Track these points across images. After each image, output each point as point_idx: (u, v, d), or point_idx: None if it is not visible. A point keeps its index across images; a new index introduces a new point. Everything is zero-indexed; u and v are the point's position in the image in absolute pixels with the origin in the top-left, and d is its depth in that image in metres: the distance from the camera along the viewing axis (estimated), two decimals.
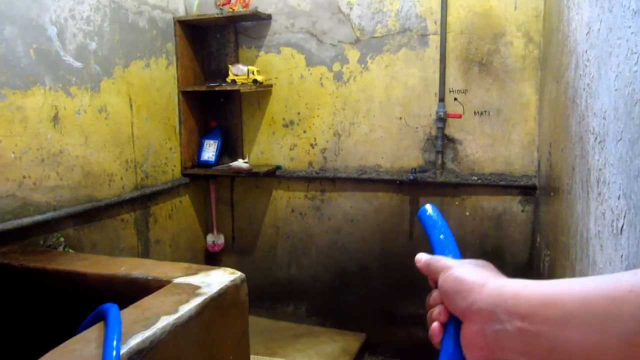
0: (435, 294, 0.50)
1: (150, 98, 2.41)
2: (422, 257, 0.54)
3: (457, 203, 2.42)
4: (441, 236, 0.57)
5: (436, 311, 0.49)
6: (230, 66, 2.57)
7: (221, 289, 1.25)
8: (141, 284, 1.30)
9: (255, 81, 2.54)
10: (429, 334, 0.49)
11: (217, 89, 2.59)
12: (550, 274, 1.88)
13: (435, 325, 0.48)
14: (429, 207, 0.62)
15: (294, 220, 2.76)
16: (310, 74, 2.60)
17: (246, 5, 2.55)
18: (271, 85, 2.68)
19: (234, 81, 2.55)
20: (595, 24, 1.16)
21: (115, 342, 0.93)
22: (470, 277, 0.46)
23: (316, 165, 2.67)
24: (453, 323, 0.47)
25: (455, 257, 0.54)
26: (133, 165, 2.30)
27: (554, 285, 0.40)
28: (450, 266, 0.49)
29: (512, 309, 0.40)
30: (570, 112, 1.46)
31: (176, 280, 1.29)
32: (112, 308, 1.06)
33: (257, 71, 2.57)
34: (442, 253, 0.55)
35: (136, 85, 2.30)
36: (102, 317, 1.06)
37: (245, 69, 2.53)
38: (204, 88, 2.61)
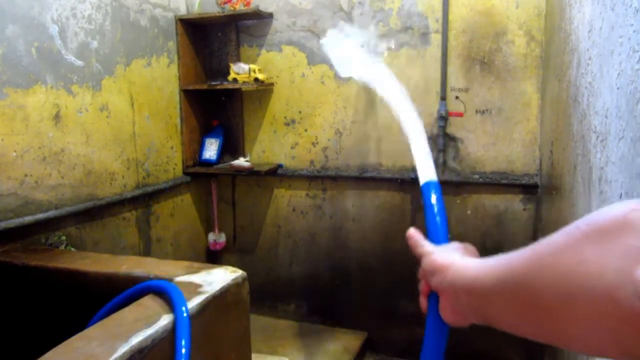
0: (421, 271, 0.61)
1: (152, 97, 2.41)
2: (412, 236, 0.65)
3: (458, 201, 2.42)
4: (437, 218, 0.67)
5: (421, 285, 0.61)
6: (231, 65, 2.57)
7: (223, 287, 1.25)
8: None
9: (256, 80, 2.53)
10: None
11: (218, 87, 2.59)
12: None
13: (421, 297, 0.61)
14: (433, 189, 0.70)
15: (295, 218, 2.76)
16: (312, 72, 2.60)
17: (247, 4, 2.55)
18: (273, 84, 2.68)
19: (235, 80, 2.55)
20: (597, 22, 1.16)
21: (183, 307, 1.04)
22: (442, 260, 0.56)
23: (317, 163, 2.67)
24: (434, 295, 0.58)
25: (444, 239, 0.64)
26: (134, 164, 2.30)
27: (483, 263, 0.48)
28: (430, 252, 0.60)
29: (461, 286, 0.51)
30: (572, 110, 1.46)
31: (178, 279, 1.30)
32: (167, 285, 1.14)
33: (259, 70, 2.57)
34: (435, 233, 0.66)
35: (137, 83, 2.30)
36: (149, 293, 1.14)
37: (246, 67, 2.53)
38: (205, 87, 2.61)
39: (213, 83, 2.63)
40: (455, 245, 0.61)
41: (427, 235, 0.66)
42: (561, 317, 0.36)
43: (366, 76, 0.95)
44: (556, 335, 0.38)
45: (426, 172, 0.73)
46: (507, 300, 0.42)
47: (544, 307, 0.38)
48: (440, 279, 0.55)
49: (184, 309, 1.05)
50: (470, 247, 0.60)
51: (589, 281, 0.34)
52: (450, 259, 0.55)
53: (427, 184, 0.71)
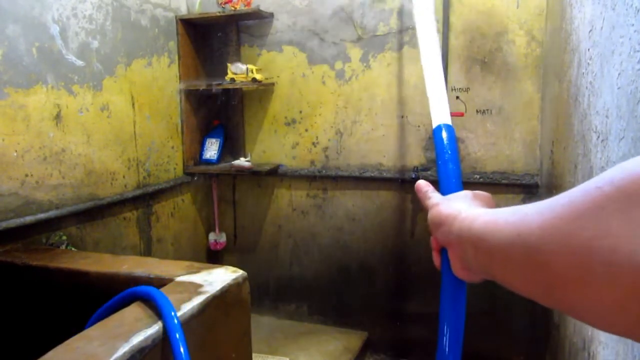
0: (429, 224, 0.56)
1: (153, 97, 2.41)
2: (421, 188, 0.60)
3: None
4: (449, 165, 0.61)
5: (432, 240, 0.56)
6: (229, 65, 2.57)
7: (223, 287, 1.25)
8: (143, 282, 1.30)
9: (254, 80, 2.54)
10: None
11: (215, 87, 2.59)
12: None
13: (434, 253, 0.57)
14: (445, 132, 0.64)
15: (296, 218, 2.76)
16: (312, 72, 2.60)
17: (248, 4, 2.55)
18: (273, 84, 2.68)
19: (232, 79, 2.55)
20: (597, 21, 1.16)
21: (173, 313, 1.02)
22: (448, 210, 0.52)
23: (318, 163, 2.67)
24: (444, 250, 0.53)
25: (457, 188, 0.59)
26: (135, 164, 2.30)
27: (493, 217, 0.43)
28: (436, 203, 0.55)
29: (467, 239, 0.46)
30: (573, 110, 1.46)
31: (178, 279, 1.30)
32: (152, 290, 1.13)
33: (257, 69, 2.57)
34: (446, 182, 0.60)
35: (138, 83, 2.30)
36: (136, 299, 1.13)
37: (244, 67, 2.53)
38: (203, 86, 2.61)
39: (211, 83, 2.62)
40: (465, 193, 0.56)
41: (439, 185, 0.60)
42: (575, 289, 0.33)
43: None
44: (565, 304, 0.35)
45: (439, 115, 0.67)
46: (515, 263, 0.38)
47: (557, 277, 0.34)
48: (447, 230, 0.51)
49: (173, 314, 1.03)
50: (483, 194, 0.55)
51: (615, 258, 0.29)
52: (457, 209, 0.51)
53: (439, 127, 0.65)
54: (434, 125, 0.66)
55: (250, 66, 2.55)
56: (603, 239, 0.30)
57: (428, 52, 0.79)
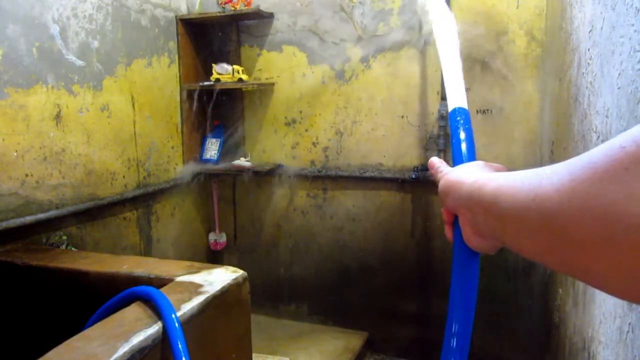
0: (440, 195, 0.55)
1: (153, 96, 2.41)
2: (433, 164, 0.59)
3: None
4: (463, 145, 0.60)
5: (444, 213, 0.55)
6: (214, 65, 2.58)
7: (223, 287, 1.25)
8: (143, 282, 1.30)
9: (240, 80, 2.55)
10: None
11: (205, 88, 2.59)
12: (552, 273, 1.88)
13: (446, 226, 0.55)
14: (460, 116, 0.64)
15: (296, 218, 2.76)
16: (312, 72, 2.60)
17: (248, 4, 2.55)
18: (273, 84, 2.68)
19: (218, 80, 2.56)
20: (598, 21, 1.16)
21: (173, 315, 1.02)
22: (456, 176, 0.50)
23: (318, 163, 2.67)
24: (456, 220, 0.52)
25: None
26: (135, 164, 2.30)
27: (505, 180, 0.41)
28: (446, 172, 0.54)
29: (477, 202, 0.44)
30: (573, 110, 1.46)
31: (178, 279, 1.30)
32: (152, 290, 1.12)
33: (242, 70, 2.59)
34: (460, 159, 0.59)
35: (138, 83, 2.30)
36: (136, 299, 1.13)
37: (229, 68, 2.54)
38: (197, 87, 2.61)
39: (203, 83, 2.61)
40: (477, 162, 0.55)
41: (453, 163, 0.60)
42: (595, 255, 0.31)
43: None
44: (582, 271, 0.33)
45: (455, 99, 0.67)
46: (529, 228, 0.36)
47: (575, 243, 0.32)
48: (456, 196, 0.49)
49: (173, 316, 1.04)
50: (496, 165, 0.53)
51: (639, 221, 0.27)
52: (467, 174, 0.49)
53: (455, 110, 0.65)
54: (450, 109, 0.66)
55: (235, 67, 2.56)
56: (627, 203, 0.28)
57: (444, 38, 0.78)
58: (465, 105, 0.66)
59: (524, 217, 0.36)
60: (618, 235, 0.28)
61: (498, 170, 0.52)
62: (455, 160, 0.60)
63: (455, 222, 0.53)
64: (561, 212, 0.32)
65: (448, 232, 0.55)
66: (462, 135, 0.62)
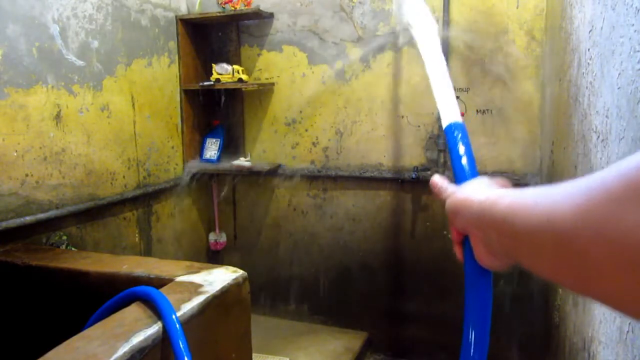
0: (448, 216, 0.54)
1: (153, 96, 2.41)
2: (436, 183, 0.58)
3: None
4: (464, 159, 0.60)
5: (452, 233, 0.54)
6: (214, 65, 2.58)
7: (223, 287, 1.25)
8: (143, 282, 1.30)
9: (240, 80, 2.54)
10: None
11: (205, 87, 2.59)
12: None
13: (455, 246, 0.54)
14: (457, 130, 0.63)
15: (296, 218, 2.76)
16: (312, 72, 2.60)
17: (248, 4, 2.55)
18: (273, 84, 2.68)
19: (218, 80, 2.56)
20: (598, 21, 1.16)
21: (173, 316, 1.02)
22: (465, 195, 0.50)
23: (318, 163, 2.67)
24: (466, 240, 0.51)
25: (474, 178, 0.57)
26: (135, 164, 2.30)
27: (517, 199, 0.40)
28: (452, 192, 0.53)
29: (489, 222, 0.44)
30: (573, 110, 1.46)
31: (178, 279, 1.30)
32: (152, 290, 1.12)
33: (242, 70, 2.58)
34: (462, 177, 0.58)
35: (138, 83, 2.30)
36: (136, 299, 1.13)
37: (229, 68, 2.54)
38: (197, 87, 2.61)
39: (203, 84, 2.61)
40: (482, 179, 0.54)
41: (455, 180, 0.59)
42: (614, 279, 0.30)
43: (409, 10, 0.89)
44: (601, 294, 0.32)
45: (449, 114, 0.66)
46: (545, 249, 0.35)
47: (593, 266, 0.31)
48: (466, 215, 0.48)
49: (173, 316, 1.04)
50: (501, 180, 0.52)
51: None
52: (475, 192, 0.48)
53: (450, 126, 0.65)
54: (444, 125, 0.66)
55: (235, 67, 2.56)
56: None
57: (430, 51, 0.77)
58: (460, 120, 0.65)
59: (539, 237, 0.36)
60: (637, 259, 0.28)
61: (504, 186, 0.51)
62: (457, 175, 0.60)
63: (464, 242, 0.52)
64: (577, 235, 0.32)
65: (458, 252, 0.54)
66: (462, 150, 0.61)
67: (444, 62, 0.75)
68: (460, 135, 0.63)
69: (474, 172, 0.59)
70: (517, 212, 0.39)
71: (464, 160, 0.60)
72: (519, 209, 0.39)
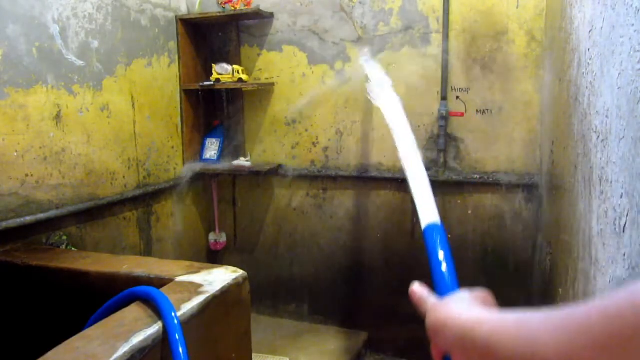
0: (428, 331, 0.53)
1: (153, 96, 2.41)
2: (416, 292, 0.57)
3: (459, 201, 2.42)
4: (443, 266, 0.59)
5: (432, 349, 0.53)
6: (214, 65, 2.58)
7: (223, 287, 1.25)
8: (143, 282, 1.30)
9: (240, 80, 2.54)
10: None
11: (205, 87, 2.59)
12: (553, 272, 1.88)
13: None
14: (436, 233, 0.62)
15: (296, 218, 2.76)
16: (312, 72, 2.60)
17: (248, 4, 2.55)
18: (273, 84, 2.68)
19: (218, 80, 2.56)
20: (598, 21, 1.16)
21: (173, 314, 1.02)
22: (446, 315, 0.49)
23: (318, 163, 2.67)
24: (447, 359, 0.51)
25: (453, 289, 0.56)
26: (135, 164, 2.30)
27: (499, 323, 0.40)
28: (434, 307, 0.52)
29: (471, 346, 0.43)
30: (573, 110, 1.46)
31: (178, 279, 1.30)
32: (152, 290, 1.12)
33: (242, 70, 2.58)
34: (442, 284, 0.57)
35: (138, 83, 2.30)
36: (136, 299, 1.13)
37: (229, 68, 2.54)
38: (197, 87, 2.61)
39: (202, 84, 2.61)
40: (463, 295, 0.53)
41: (434, 286, 0.59)
42: None
43: (383, 106, 0.88)
44: None
45: (428, 214, 0.65)
46: None
47: None
48: (448, 336, 0.47)
49: (173, 314, 1.04)
50: (482, 294, 0.52)
51: None
52: (457, 313, 0.48)
53: (430, 227, 0.64)
54: (423, 226, 0.64)
55: (235, 67, 2.55)
56: None
57: (405, 147, 0.76)
58: (438, 220, 0.64)
59: None
60: None
61: (485, 301, 0.50)
62: (436, 283, 0.59)
63: (445, 358, 0.52)
64: None
65: None
66: (441, 255, 0.60)
67: (417, 151, 0.73)
68: (439, 238, 0.62)
69: (454, 282, 0.58)
70: (501, 340, 0.39)
71: (444, 267, 0.59)
72: (501, 336, 0.39)
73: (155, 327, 1.03)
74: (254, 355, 1.43)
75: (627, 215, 0.90)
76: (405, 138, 0.78)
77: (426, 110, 2.41)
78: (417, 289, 0.58)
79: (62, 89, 1.89)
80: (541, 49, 2.20)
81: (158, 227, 2.47)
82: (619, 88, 0.96)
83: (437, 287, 0.58)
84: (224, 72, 2.55)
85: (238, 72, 2.56)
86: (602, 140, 1.09)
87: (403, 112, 0.85)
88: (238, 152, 2.79)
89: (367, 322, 2.66)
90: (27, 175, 1.76)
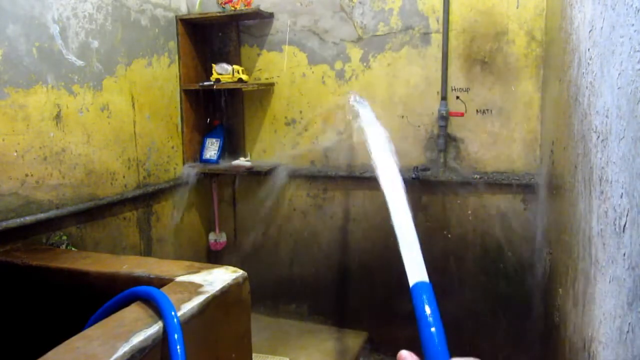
0: None
1: (153, 96, 2.41)
2: (404, 358, 0.55)
3: (459, 202, 2.42)
4: (432, 329, 0.57)
5: None
6: (214, 65, 2.58)
7: (223, 287, 1.25)
8: (143, 282, 1.30)
9: (240, 80, 2.54)
10: None
11: (205, 88, 2.59)
12: (553, 272, 1.88)
13: None
14: (424, 292, 0.60)
15: (296, 218, 2.76)
16: (312, 72, 2.60)
17: (248, 4, 2.55)
18: (273, 84, 2.68)
19: (218, 80, 2.56)
20: (598, 21, 1.16)
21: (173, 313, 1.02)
22: None
23: (318, 163, 2.67)
24: None
25: (443, 356, 0.54)
26: (135, 164, 2.30)
27: None
28: None
29: None
30: (573, 110, 1.46)
31: (178, 279, 1.30)
32: (152, 290, 1.12)
33: (242, 70, 2.58)
34: (431, 349, 0.55)
35: (138, 83, 2.30)
36: (136, 299, 1.13)
37: (229, 68, 2.54)
38: (197, 87, 2.61)
39: (201, 84, 2.61)
40: None
41: (423, 351, 0.57)
42: None
43: (372, 152, 0.85)
44: None
45: (415, 271, 0.63)
46: None
47: None
48: None
49: (173, 313, 1.04)
50: None
51: None
52: None
53: (417, 285, 0.62)
54: (411, 284, 0.62)
55: (235, 67, 2.55)
56: None
57: (393, 200, 0.73)
58: (426, 278, 0.61)
59: None
60: None
61: None
62: (425, 348, 0.57)
63: None
64: None
65: None
66: (430, 318, 0.59)
67: (408, 207, 0.71)
68: (427, 298, 0.60)
69: (444, 347, 0.56)
70: None
71: (434, 330, 0.57)
72: None
73: (155, 327, 1.03)
74: (254, 355, 1.43)
75: (627, 215, 0.90)
76: (393, 186, 0.76)
77: (426, 110, 2.41)
78: (406, 354, 0.56)
79: (62, 89, 1.89)
80: (541, 49, 2.20)
81: (158, 227, 2.47)
82: (619, 88, 0.96)
83: (426, 353, 0.56)
84: (224, 72, 2.55)
85: (238, 72, 2.56)
86: (602, 140, 1.09)
87: (393, 157, 0.82)
88: (238, 152, 2.79)
89: (367, 322, 2.66)
90: (27, 175, 1.76)
